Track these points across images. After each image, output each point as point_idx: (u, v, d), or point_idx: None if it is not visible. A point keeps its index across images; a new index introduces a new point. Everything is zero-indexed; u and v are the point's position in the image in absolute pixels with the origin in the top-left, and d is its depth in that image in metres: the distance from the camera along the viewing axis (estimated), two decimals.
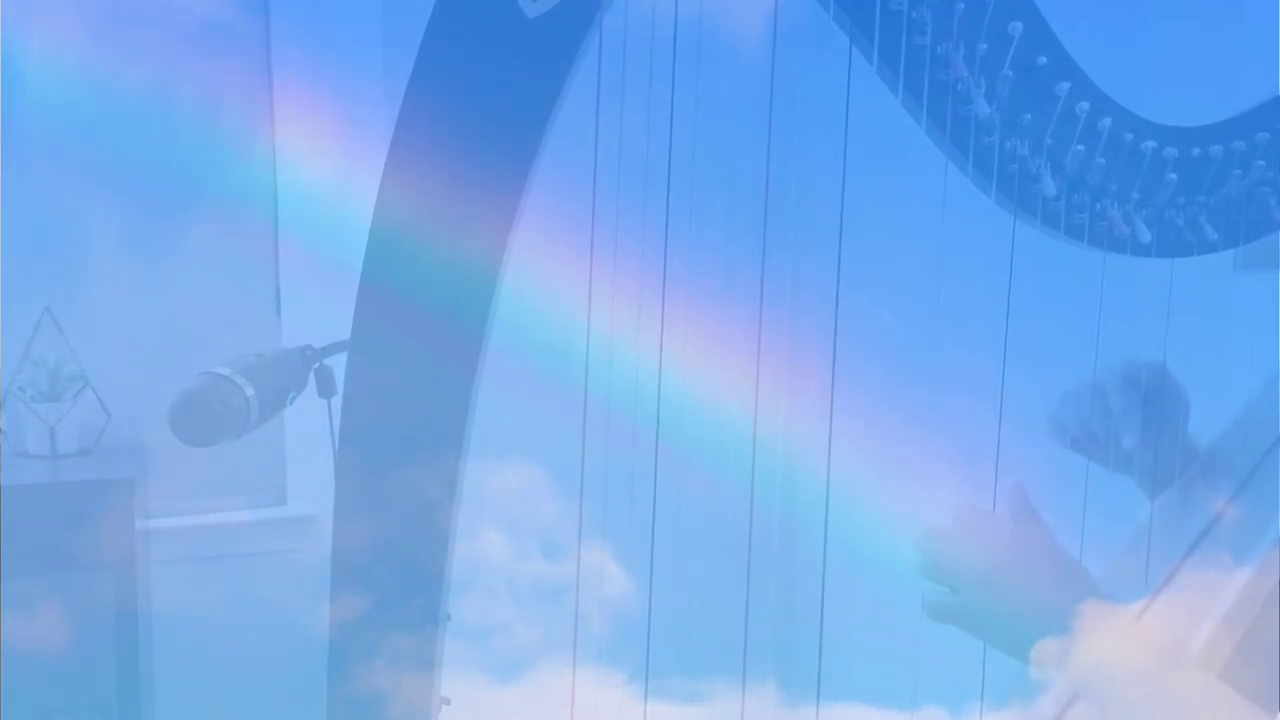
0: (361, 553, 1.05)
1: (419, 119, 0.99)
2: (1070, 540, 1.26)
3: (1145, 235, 1.14)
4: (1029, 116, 1.08)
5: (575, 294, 1.04)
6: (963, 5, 1.04)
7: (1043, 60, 1.07)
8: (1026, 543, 1.19)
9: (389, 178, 1.00)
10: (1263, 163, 1.15)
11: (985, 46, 1.05)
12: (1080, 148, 1.10)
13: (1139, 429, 1.29)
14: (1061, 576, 1.18)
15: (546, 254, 1.08)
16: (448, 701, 1.12)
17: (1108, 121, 1.10)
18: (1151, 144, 1.12)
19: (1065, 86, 1.08)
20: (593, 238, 1.03)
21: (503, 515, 1.51)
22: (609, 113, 1.00)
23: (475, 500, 1.10)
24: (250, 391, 1.13)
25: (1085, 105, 1.09)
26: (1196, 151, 1.14)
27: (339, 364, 1.08)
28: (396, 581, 1.06)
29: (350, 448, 1.05)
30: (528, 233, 1.01)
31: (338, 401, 1.09)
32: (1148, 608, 1.20)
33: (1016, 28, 1.05)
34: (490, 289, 1.01)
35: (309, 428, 1.20)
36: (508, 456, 1.39)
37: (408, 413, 1.04)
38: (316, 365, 1.23)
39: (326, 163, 2.20)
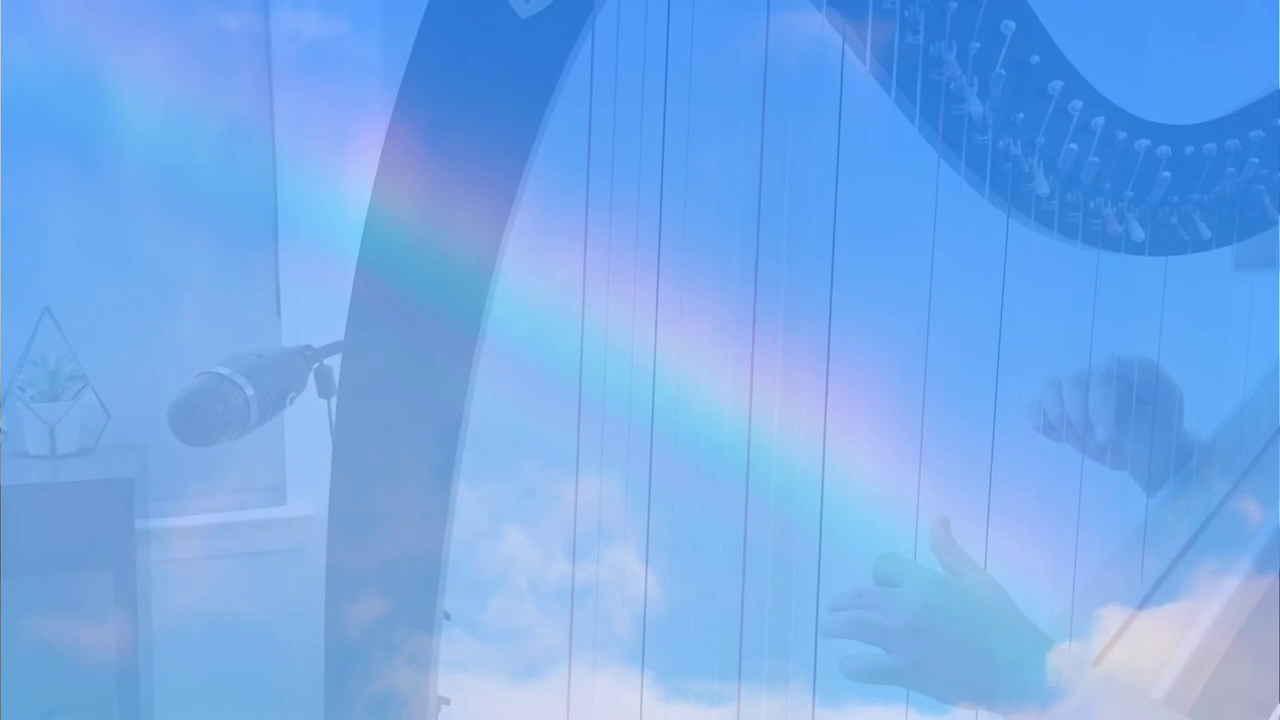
0: (358, 552, 1.05)
1: (413, 119, 0.99)
2: (1066, 538, 1.26)
3: (1139, 233, 1.14)
4: (1022, 115, 1.08)
5: (570, 292, 1.04)
6: (955, 4, 1.04)
7: (1035, 59, 1.07)
8: (956, 587, 1.13)
9: (383, 178, 1.00)
10: (1257, 160, 1.15)
11: (978, 45, 1.06)
12: (1073, 146, 1.10)
13: (1114, 419, 1.28)
14: (993, 616, 1.11)
15: (541, 253, 1.09)
16: (447, 701, 1.12)
17: (1101, 120, 1.10)
18: (1145, 142, 1.12)
19: (1058, 85, 1.08)
20: (587, 237, 1.03)
21: (498, 514, 1.52)
22: (602, 112, 1.00)
23: (470, 499, 1.11)
24: (250, 391, 1.13)
25: (1078, 104, 1.09)
26: (1190, 149, 1.14)
27: (339, 364, 1.08)
28: (393, 580, 1.06)
29: (346, 446, 1.05)
30: (522, 232, 1.01)
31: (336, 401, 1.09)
32: (1134, 616, 1.20)
33: (1009, 26, 1.06)
34: (485, 288, 1.01)
35: (309, 428, 1.20)
36: (500, 455, 1.39)
37: (403, 411, 1.04)
38: (316, 365, 1.23)
39: (326, 163, 2.20)
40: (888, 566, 1.14)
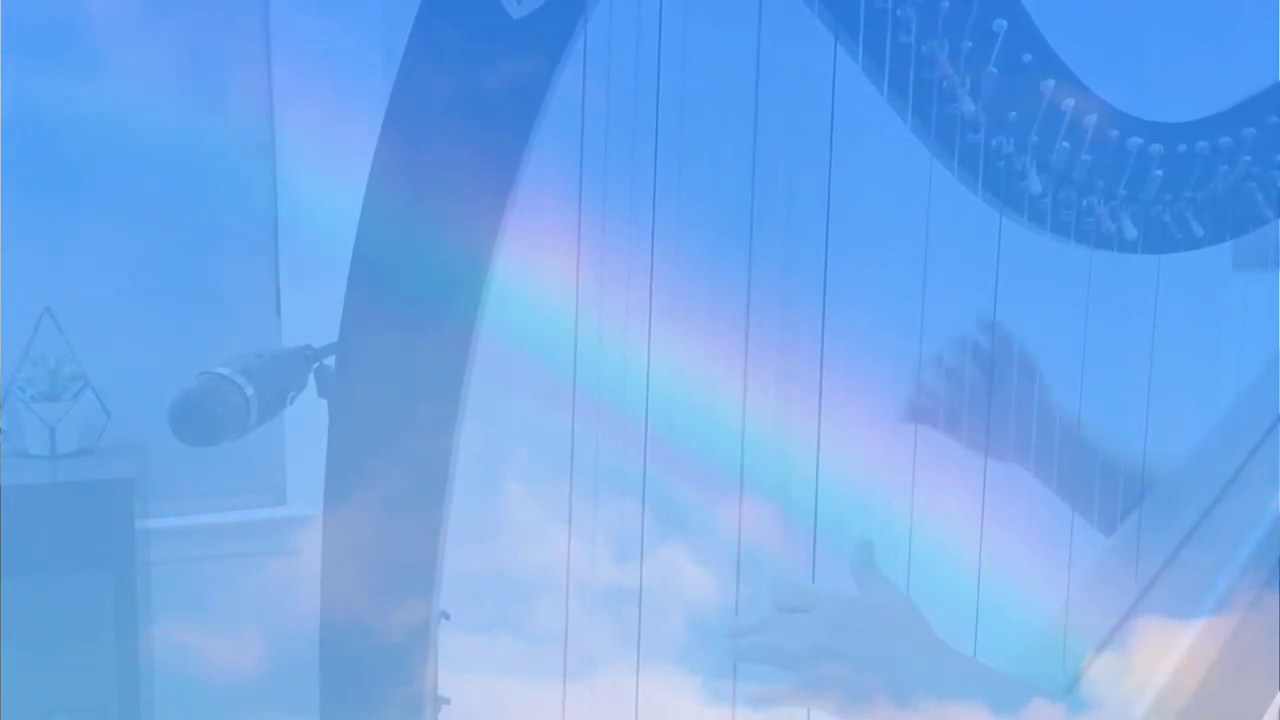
0: (353, 552, 1.06)
1: (405, 120, 0.99)
2: (1060, 535, 1.26)
3: (1131, 232, 1.14)
4: (1014, 114, 1.09)
5: (564, 292, 1.05)
6: (947, 3, 1.05)
7: (1028, 57, 1.08)
8: (866, 607, 1.15)
9: (375, 179, 1.00)
10: (1249, 158, 1.15)
11: (970, 44, 1.06)
12: (1066, 144, 1.10)
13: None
14: (905, 634, 1.13)
15: (535, 253, 1.09)
16: (447, 701, 1.13)
17: (1093, 118, 1.10)
18: (1137, 140, 1.12)
19: (1050, 84, 1.08)
20: (580, 237, 1.04)
21: (496, 513, 1.52)
22: (595, 112, 1.01)
23: (468, 498, 1.11)
24: (250, 391, 1.13)
25: (1070, 102, 1.09)
26: (1183, 147, 1.14)
27: None
28: (390, 581, 1.06)
29: (340, 446, 1.05)
30: (515, 232, 1.01)
31: None
32: (1132, 610, 1.20)
33: (1001, 25, 1.06)
34: (479, 288, 1.02)
35: (309, 428, 1.20)
36: (494, 452, 1.39)
37: (397, 411, 1.04)
38: (316, 365, 1.23)
39: (326, 163, 2.20)
40: (790, 595, 1.15)
